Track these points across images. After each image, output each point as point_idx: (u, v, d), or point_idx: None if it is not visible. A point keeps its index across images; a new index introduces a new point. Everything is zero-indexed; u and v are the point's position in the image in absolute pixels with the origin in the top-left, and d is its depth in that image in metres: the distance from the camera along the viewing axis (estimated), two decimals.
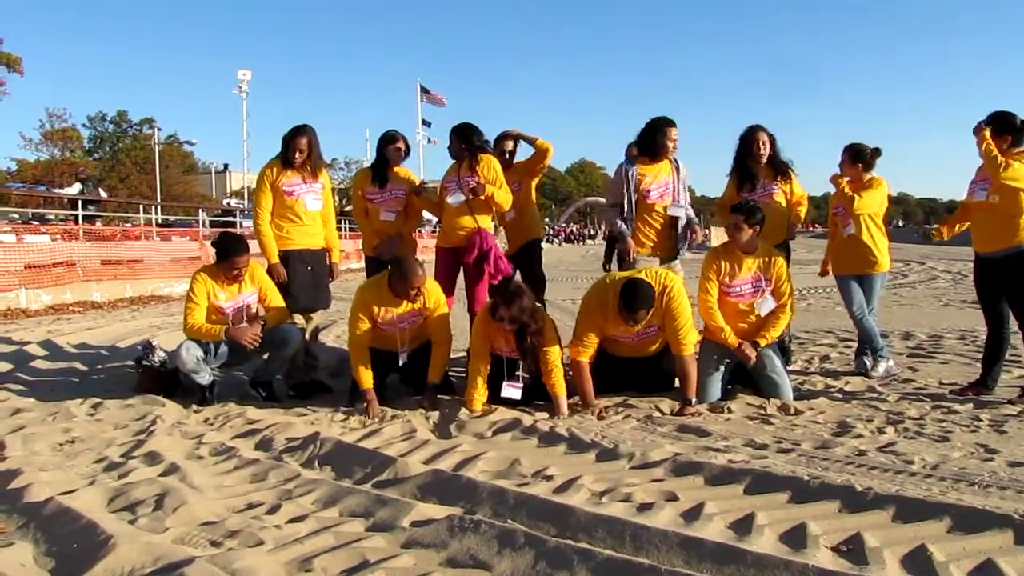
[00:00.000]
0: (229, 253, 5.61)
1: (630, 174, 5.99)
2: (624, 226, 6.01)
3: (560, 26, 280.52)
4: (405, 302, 5.43)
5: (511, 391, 5.39)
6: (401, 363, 5.63)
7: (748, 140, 6.35)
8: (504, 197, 6.09)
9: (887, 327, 8.94)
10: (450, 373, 5.94)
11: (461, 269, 6.28)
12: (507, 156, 6.56)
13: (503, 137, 6.61)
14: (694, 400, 5.28)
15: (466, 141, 6.12)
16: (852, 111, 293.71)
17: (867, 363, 6.42)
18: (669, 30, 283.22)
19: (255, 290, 5.80)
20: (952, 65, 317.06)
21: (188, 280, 5.89)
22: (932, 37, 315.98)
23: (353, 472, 4.09)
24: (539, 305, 5.48)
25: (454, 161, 6.26)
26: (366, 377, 5.35)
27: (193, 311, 5.60)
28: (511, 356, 5.38)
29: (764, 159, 6.31)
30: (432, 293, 5.52)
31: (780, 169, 6.34)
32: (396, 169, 6.41)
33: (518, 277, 6.15)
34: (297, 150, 5.96)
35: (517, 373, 5.39)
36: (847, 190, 6.16)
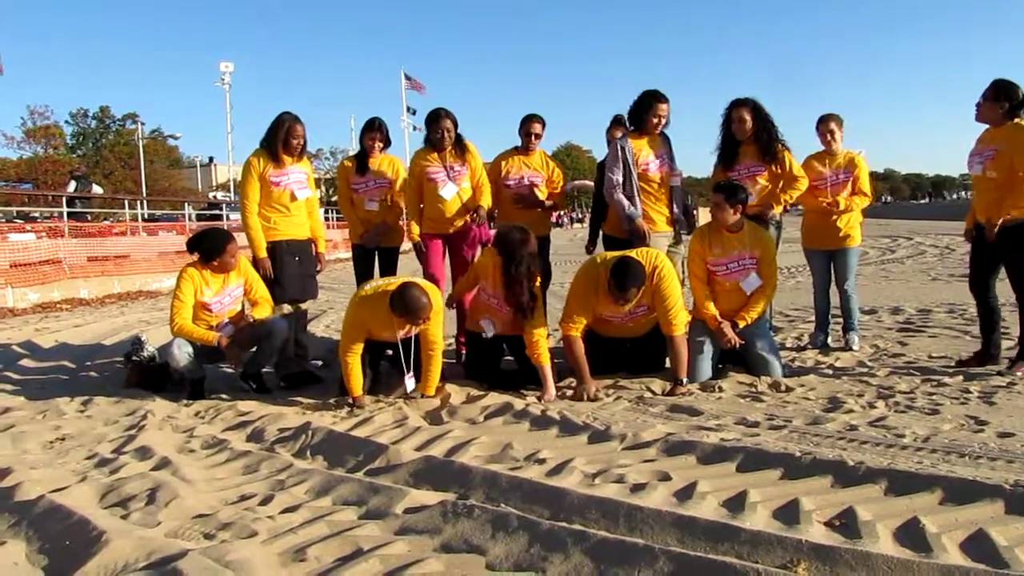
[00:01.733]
0: (214, 251, 5.57)
1: (627, 149, 5.86)
2: (633, 209, 5.82)
3: (545, 10, 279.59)
4: (407, 324, 5.18)
5: (487, 325, 5.49)
6: (411, 388, 5.40)
7: (727, 116, 6.06)
8: (489, 194, 6.19)
9: (876, 302, 8.99)
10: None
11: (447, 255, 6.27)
12: (532, 139, 6.42)
13: (531, 119, 6.41)
14: (685, 380, 5.29)
15: (456, 128, 6.08)
16: (838, 92, 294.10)
17: (854, 338, 6.47)
18: (657, 11, 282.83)
19: (241, 282, 5.77)
20: (939, 41, 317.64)
21: (175, 274, 5.83)
22: (919, 15, 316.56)
23: (345, 461, 4.08)
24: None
25: (429, 147, 6.14)
26: (356, 386, 5.22)
27: (180, 310, 5.54)
28: (491, 302, 5.52)
29: (747, 136, 5.99)
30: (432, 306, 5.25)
31: (768, 149, 5.96)
32: (380, 157, 6.37)
33: None
34: (296, 137, 5.92)
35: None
36: (843, 203, 6.29)
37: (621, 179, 5.83)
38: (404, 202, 6.37)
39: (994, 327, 5.55)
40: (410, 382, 5.35)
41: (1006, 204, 5.13)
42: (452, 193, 6.06)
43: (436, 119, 6.09)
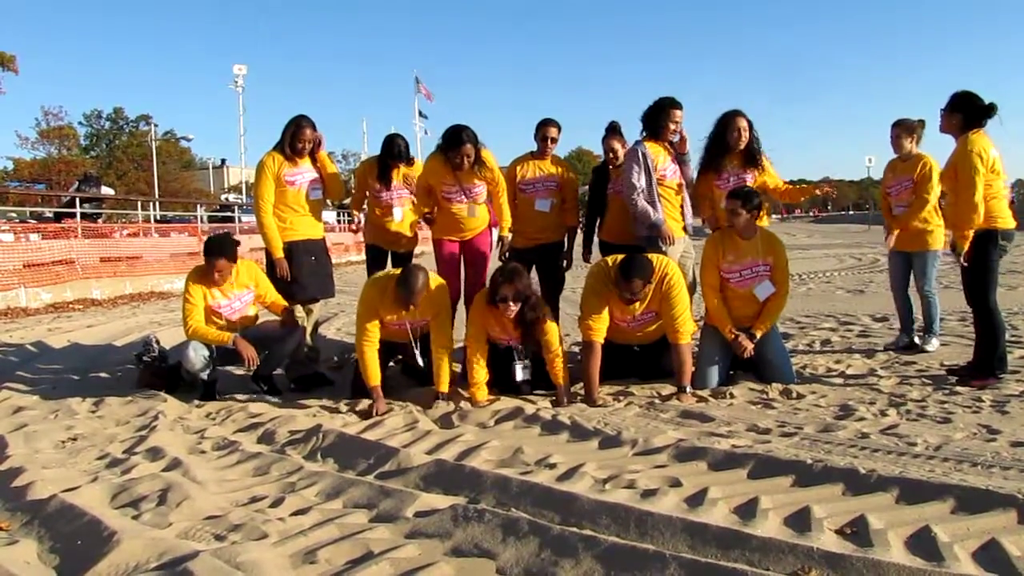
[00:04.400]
0: (208, 254, 5.61)
1: (647, 155, 5.80)
2: (657, 215, 5.75)
3: (557, 15, 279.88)
4: (405, 306, 5.25)
5: (522, 373, 5.42)
6: (422, 363, 5.49)
7: (724, 126, 5.95)
8: (509, 213, 6.13)
9: (889, 309, 8.94)
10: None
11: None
12: (548, 143, 6.30)
13: (547, 124, 6.30)
14: (688, 388, 5.28)
15: (476, 150, 5.79)
16: (852, 95, 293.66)
17: (930, 340, 6.59)
18: (668, 17, 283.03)
19: (250, 289, 5.82)
20: (957, 44, 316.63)
21: (187, 276, 5.87)
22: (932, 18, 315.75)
23: (356, 464, 4.09)
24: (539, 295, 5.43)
25: (445, 160, 5.84)
26: (373, 375, 5.23)
27: (192, 312, 5.59)
28: (508, 344, 5.38)
29: (741, 147, 5.94)
30: (435, 295, 5.35)
31: (752, 158, 5.96)
32: (402, 167, 6.32)
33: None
34: (305, 140, 5.94)
35: (522, 358, 5.43)
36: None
37: (645, 184, 5.77)
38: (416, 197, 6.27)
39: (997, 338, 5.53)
40: (519, 370, 5.44)
41: (958, 228, 5.24)
42: (469, 214, 5.98)
43: (458, 144, 5.72)
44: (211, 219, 28.14)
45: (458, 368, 5.86)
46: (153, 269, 16.45)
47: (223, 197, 49.75)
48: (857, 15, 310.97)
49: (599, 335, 5.28)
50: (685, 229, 6.04)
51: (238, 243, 5.94)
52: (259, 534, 3.08)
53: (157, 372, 6.14)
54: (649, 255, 5.35)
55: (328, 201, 6.44)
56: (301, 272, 5.99)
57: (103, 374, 6.85)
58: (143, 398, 5.69)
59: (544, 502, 3.28)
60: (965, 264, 5.30)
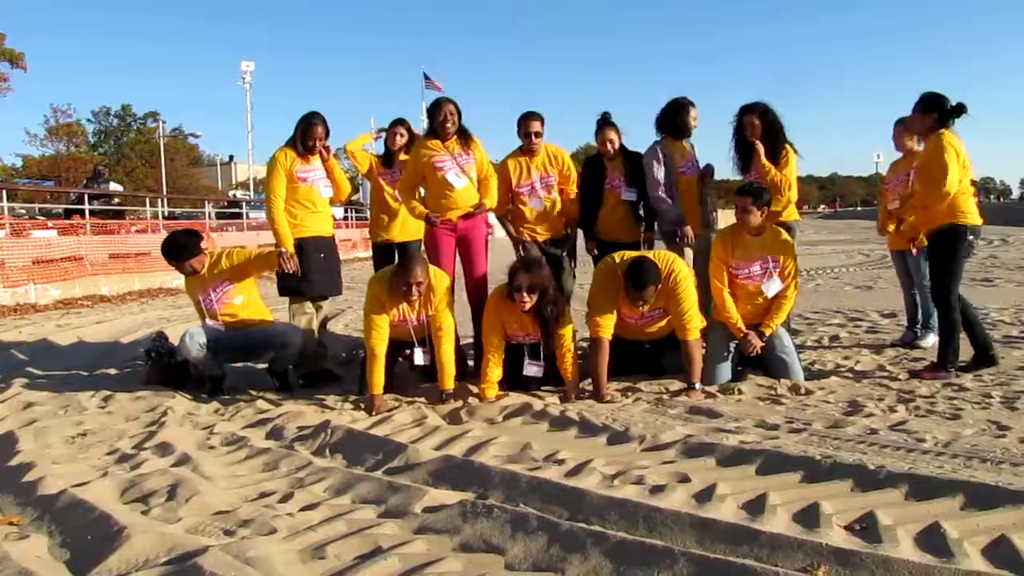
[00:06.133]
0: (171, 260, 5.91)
1: (666, 152, 5.85)
2: (680, 211, 5.82)
3: (564, 12, 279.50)
4: (406, 295, 5.20)
5: (533, 369, 5.41)
6: (420, 361, 5.45)
7: (739, 122, 6.02)
8: (495, 191, 6.04)
9: (897, 306, 8.92)
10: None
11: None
12: (533, 139, 6.02)
13: (528, 119, 6.02)
14: (698, 384, 5.27)
15: (459, 115, 5.85)
16: (859, 92, 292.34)
17: (926, 336, 6.57)
18: (671, 15, 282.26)
19: (222, 282, 5.89)
20: (966, 44, 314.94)
21: None
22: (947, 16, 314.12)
23: (364, 459, 4.09)
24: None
25: (432, 135, 5.89)
26: (377, 383, 5.18)
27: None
28: (524, 340, 5.38)
29: (757, 140, 5.90)
30: (437, 288, 5.33)
31: (772, 152, 5.87)
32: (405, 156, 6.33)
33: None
34: (316, 137, 5.97)
35: (538, 353, 5.42)
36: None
37: (664, 181, 5.81)
38: (399, 188, 6.18)
39: (973, 327, 5.59)
40: (419, 354, 5.43)
41: (924, 222, 5.50)
42: (463, 183, 5.85)
43: (438, 104, 5.84)
44: (219, 215, 28.20)
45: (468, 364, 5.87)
46: (162, 265, 16.26)
47: (231, 193, 49.77)
48: (860, 14, 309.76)
49: (607, 332, 5.28)
50: (706, 224, 6.08)
51: (194, 236, 6.09)
52: (268, 529, 3.09)
53: (166, 368, 6.16)
54: (653, 254, 5.37)
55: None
56: (311, 269, 5.98)
57: (112, 370, 6.88)
58: (152, 394, 5.71)
59: (553, 498, 3.28)
60: (915, 252, 5.87)
